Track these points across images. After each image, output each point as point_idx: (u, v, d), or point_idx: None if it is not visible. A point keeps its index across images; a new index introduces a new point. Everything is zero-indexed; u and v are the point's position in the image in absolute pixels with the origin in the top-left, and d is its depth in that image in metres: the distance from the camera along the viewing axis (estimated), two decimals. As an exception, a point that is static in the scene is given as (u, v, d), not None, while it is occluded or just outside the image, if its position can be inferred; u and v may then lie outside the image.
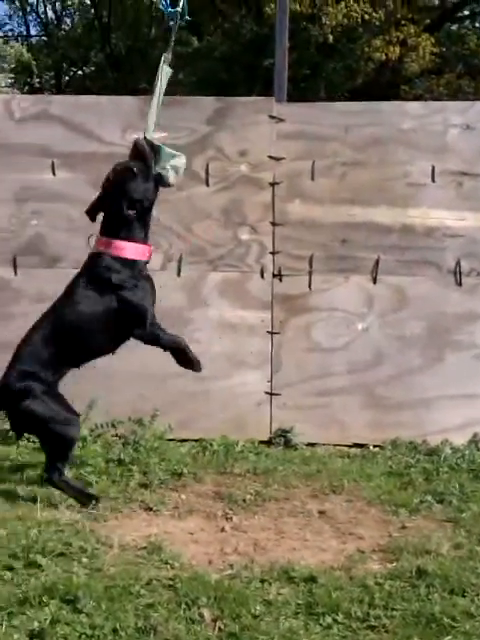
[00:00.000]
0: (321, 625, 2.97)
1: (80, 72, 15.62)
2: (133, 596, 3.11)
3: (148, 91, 12.03)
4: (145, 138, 4.26)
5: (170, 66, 4.50)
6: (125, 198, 4.13)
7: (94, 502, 3.98)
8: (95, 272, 4.15)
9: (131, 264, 4.16)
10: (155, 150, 4.23)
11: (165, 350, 4.27)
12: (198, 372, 4.32)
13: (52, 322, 4.12)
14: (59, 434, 4.05)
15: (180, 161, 4.29)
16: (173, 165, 4.25)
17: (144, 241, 4.25)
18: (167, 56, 4.47)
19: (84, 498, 4.00)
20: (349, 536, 3.79)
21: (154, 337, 4.21)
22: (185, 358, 4.25)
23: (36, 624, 2.89)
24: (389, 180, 5.46)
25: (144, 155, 4.18)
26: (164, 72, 4.46)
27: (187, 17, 4.58)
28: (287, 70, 5.95)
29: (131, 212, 4.14)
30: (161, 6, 4.67)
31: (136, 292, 4.17)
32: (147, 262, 4.28)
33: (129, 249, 4.16)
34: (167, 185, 4.28)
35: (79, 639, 2.86)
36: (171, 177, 4.25)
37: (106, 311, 4.11)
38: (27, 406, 4.02)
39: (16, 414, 4.11)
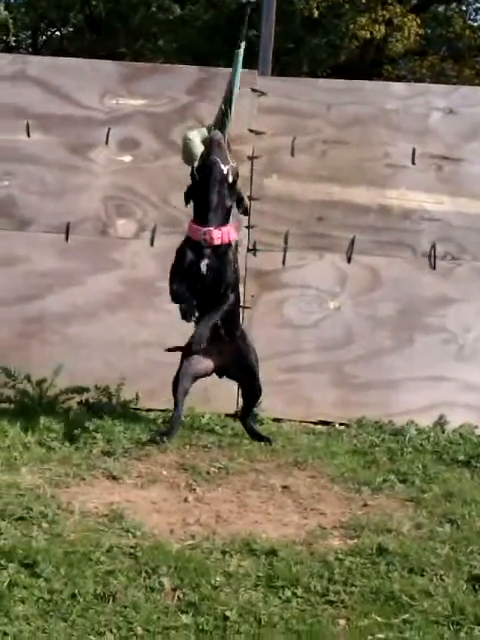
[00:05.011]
0: (280, 598, 2.99)
1: (58, 33, 15.34)
2: (93, 562, 3.10)
3: (126, 55, 11.91)
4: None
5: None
6: None
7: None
8: None
9: None
10: None
11: None
12: None
13: None
14: None
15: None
16: None
17: None
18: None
19: None
20: (311, 511, 3.80)
21: None
22: None
23: (-6, 587, 2.87)
24: (369, 160, 5.44)
25: None
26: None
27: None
28: (272, 43, 5.89)
29: None
30: None
31: None
32: None
33: None
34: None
35: (36, 603, 2.84)
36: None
37: None
38: None
39: None
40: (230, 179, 4.35)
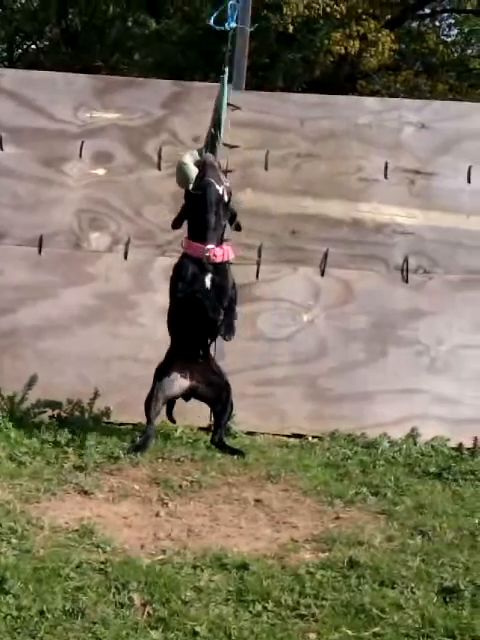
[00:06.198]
0: (251, 612, 2.97)
1: (34, 46, 15.35)
2: (62, 579, 3.07)
3: (102, 69, 11.95)
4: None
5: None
6: None
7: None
8: None
9: None
10: None
11: None
12: None
13: None
14: None
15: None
16: None
17: None
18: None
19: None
20: (283, 525, 3.79)
21: None
22: None
23: (-39, 604, 2.84)
24: (342, 174, 5.49)
25: None
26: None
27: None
28: (246, 58, 5.93)
29: None
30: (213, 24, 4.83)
31: None
32: None
33: None
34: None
35: (4, 620, 2.80)
36: None
37: None
38: None
39: None
40: (225, 199, 4.48)
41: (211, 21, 4.95)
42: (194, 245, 4.47)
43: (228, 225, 4.60)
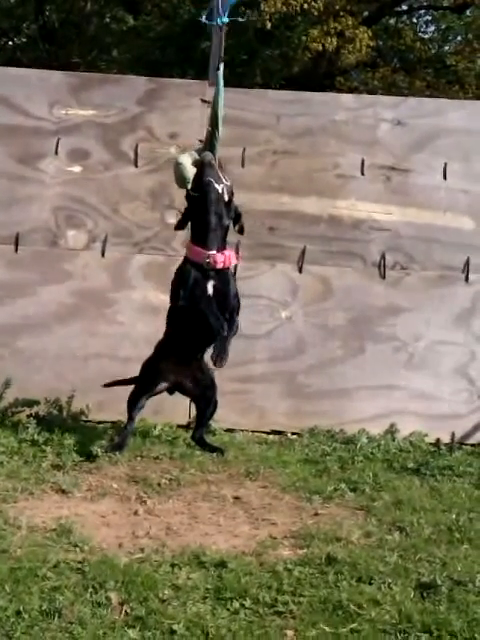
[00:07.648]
0: (228, 610, 2.97)
1: (11, 43, 15.24)
2: (39, 578, 3.05)
3: (80, 66, 11.90)
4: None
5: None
6: None
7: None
8: None
9: None
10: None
11: None
12: None
13: None
14: None
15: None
16: None
17: None
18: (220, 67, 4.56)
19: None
20: (262, 522, 3.80)
21: None
22: None
23: None
24: (319, 171, 5.49)
25: None
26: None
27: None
28: (223, 54, 5.90)
29: None
30: (205, 20, 4.81)
31: None
32: None
33: None
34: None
35: (-20, 621, 2.79)
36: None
37: None
38: None
39: None
40: (226, 198, 4.36)
41: (203, 18, 4.90)
42: (196, 249, 4.35)
43: (232, 225, 4.47)
